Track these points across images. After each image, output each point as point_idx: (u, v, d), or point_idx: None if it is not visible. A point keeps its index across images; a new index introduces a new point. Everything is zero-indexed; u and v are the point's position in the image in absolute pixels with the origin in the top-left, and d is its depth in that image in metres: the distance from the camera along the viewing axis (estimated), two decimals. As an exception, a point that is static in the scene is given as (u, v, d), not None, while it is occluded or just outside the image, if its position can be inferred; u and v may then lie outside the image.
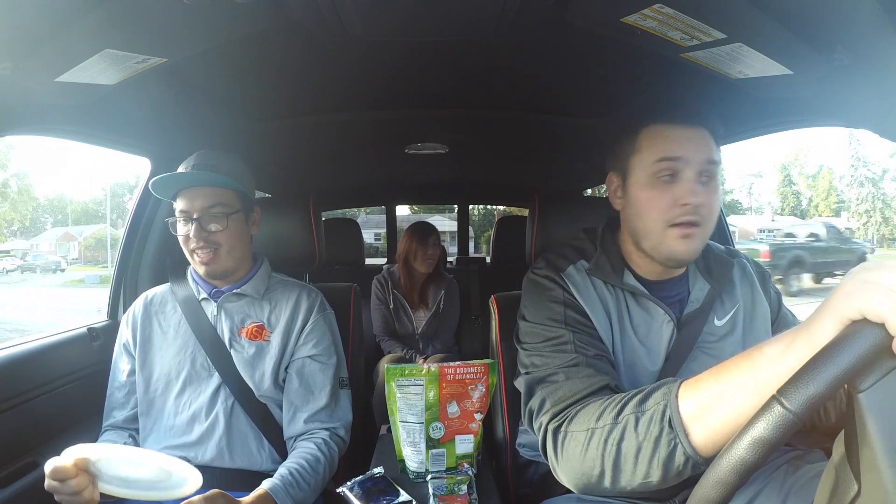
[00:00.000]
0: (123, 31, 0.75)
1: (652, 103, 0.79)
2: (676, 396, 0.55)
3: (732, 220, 31.22)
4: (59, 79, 0.81)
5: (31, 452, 1.04)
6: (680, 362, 0.82)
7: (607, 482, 0.62)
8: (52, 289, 18.13)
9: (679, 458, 0.54)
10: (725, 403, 0.51)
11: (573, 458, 0.65)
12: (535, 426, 0.74)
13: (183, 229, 0.99)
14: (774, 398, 0.39)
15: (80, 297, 14.47)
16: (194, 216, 0.97)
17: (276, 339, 1.03)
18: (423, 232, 2.24)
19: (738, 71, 0.85)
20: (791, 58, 0.77)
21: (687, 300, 0.84)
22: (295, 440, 1.01)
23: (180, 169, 1.01)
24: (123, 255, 1.47)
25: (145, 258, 1.48)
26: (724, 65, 0.84)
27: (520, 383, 0.82)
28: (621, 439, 0.60)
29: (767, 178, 39.86)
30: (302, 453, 0.95)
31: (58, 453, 1.08)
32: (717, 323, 0.85)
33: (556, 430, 0.69)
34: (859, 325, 0.40)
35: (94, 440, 1.03)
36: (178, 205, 0.99)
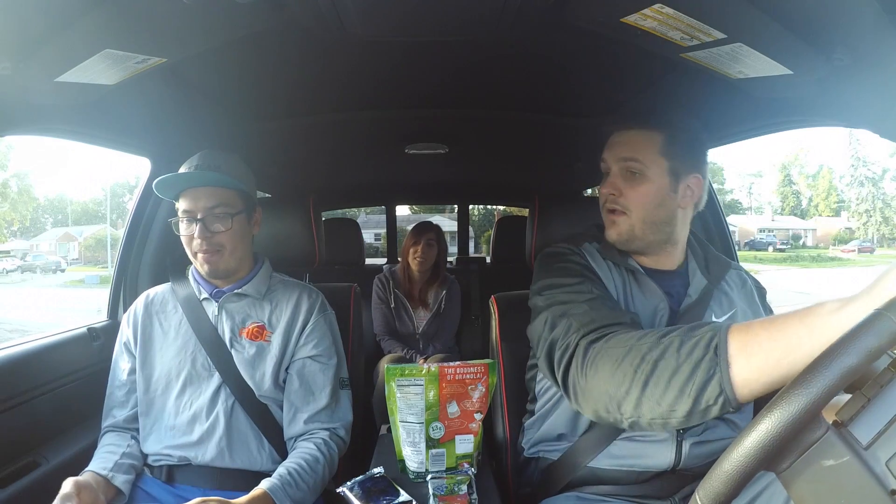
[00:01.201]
0: (123, 31, 0.75)
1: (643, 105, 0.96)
2: (727, 331, 0.56)
3: (732, 220, 31.18)
4: (59, 79, 0.81)
5: (31, 452, 1.04)
6: None
7: (629, 405, 0.62)
8: (52, 289, 18.13)
9: (713, 390, 0.55)
10: (776, 346, 0.51)
11: (602, 373, 0.66)
12: (560, 350, 0.75)
13: (186, 230, 0.99)
14: (881, 312, 0.39)
15: (80, 297, 14.48)
16: (198, 216, 0.97)
17: (276, 340, 1.03)
18: (417, 231, 2.26)
19: (738, 71, 0.85)
20: (791, 58, 0.77)
21: (685, 294, 0.89)
22: (295, 440, 1.01)
23: (183, 169, 1.01)
24: (123, 255, 1.47)
25: (145, 258, 1.48)
26: (724, 65, 0.84)
27: (537, 324, 0.84)
28: (660, 357, 0.60)
29: (767, 178, 39.97)
30: (301, 453, 0.95)
31: (58, 453, 1.08)
32: (716, 320, 0.87)
33: (590, 346, 0.71)
34: None
35: (95, 440, 1.03)
36: (182, 205, 0.99)
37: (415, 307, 2.27)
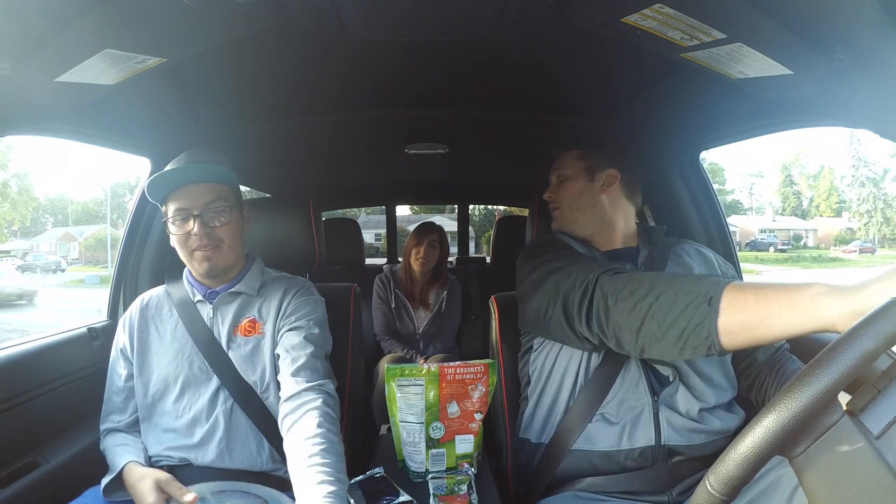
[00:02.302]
0: (123, 31, 0.75)
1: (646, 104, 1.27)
2: (724, 287, 0.66)
3: (733, 221, 31.16)
4: (59, 79, 0.81)
5: (31, 452, 1.04)
6: None
7: (649, 323, 0.73)
8: (52, 289, 18.13)
9: (701, 334, 0.65)
10: (759, 310, 0.61)
11: (623, 296, 0.77)
12: (579, 293, 0.86)
13: (182, 228, 0.97)
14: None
15: (80, 297, 14.48)
16: (195, 212, 0.96)
17: (268, 329, 1.02)
18: (420, 231, 2.25)
19: (738, 71, 0.85)
20: (791, 58, 0.77)
21: (636, 264, 1.05)
22: (290, 405, 0.91)
23: (171, 165, 1.00)
24: (123, 255, 1.47)
25: (145, 258, 1.48)
26: (724, 65, 0.84)
27: (540, 295, 0.95)
28: (665, 293, 0.72)
29: (768, 179, 39.96)
30: (318, 442, 0.84)
31: (58, 453, 1.08)
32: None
33: (608, 279, 0.82)
34: None
35: (95, 440, 1.03)
36: (174, 204, 0.97)
37: (415, 307, 2.26)
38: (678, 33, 0.76)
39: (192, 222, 0.96)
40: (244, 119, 1.40)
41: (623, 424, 0.93)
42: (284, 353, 0.98)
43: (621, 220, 1.10)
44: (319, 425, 0.86)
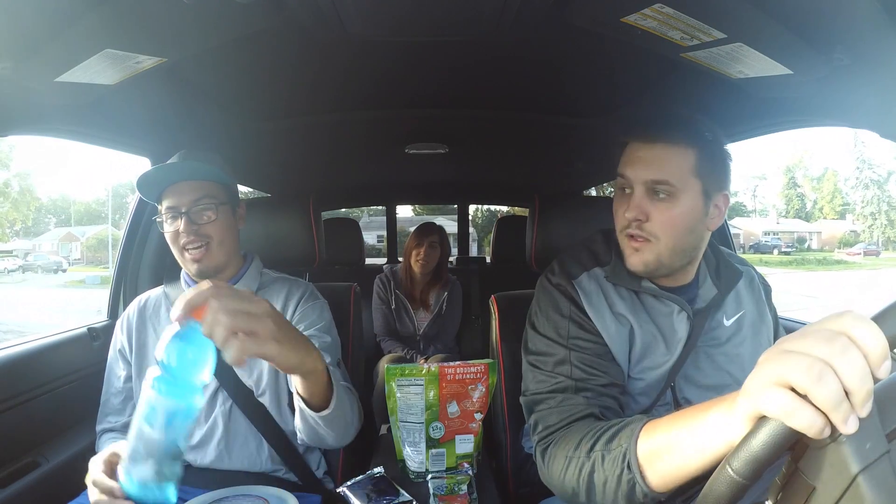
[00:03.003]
0: (123, 31, 0.75)
1: (627, 120, 0.86)
2: (636, 441, 0.60)
3: (737, 223, 30.87)
4: (59, 79, 0.81)
5: (31, 452, 1.05)
6: (686, 355, 0.84)
7: (584, 502, 0.69)
8: (52, 290, 18.14)
9: (639, 495, 0.60)
10: (675, 453, 0.54)
11: (555, 476, 0.72)
12: (533, 441, 0.81)
13: (171, 226, 0.97)
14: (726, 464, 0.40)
15: (80, 297, 14.49)
16: (182, 210, 0.96)
17: None
18: (421, 232, 2.24)
19: (738, 71, 0.85)
20: (791, 58, 0.76)
21: (696, 301, 0.86)
22: None
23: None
24: (123, 255, 1.47)
25: (145, 258, 1.49)
26: (724, 65, 0.84)
27: (522, 402, 0.88)
28: (592, 472, 0.66)
29: (772, 181, 39.73)
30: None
31: (58, 453, 1.08)
32: (726, 322, 0.87)
33: (543, 452, 0.76)
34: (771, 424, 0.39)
35: (94, 440, 1.03)
36: (165, 202, 0.97)
37: (415, 308, 2.26)
38: (678, 33, 0.76)
39: (179, 220, 0.96)
40: (244, 119, 1.40)
41: None
42: None
43: (701, 254, 0.86)
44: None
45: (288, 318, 1.03)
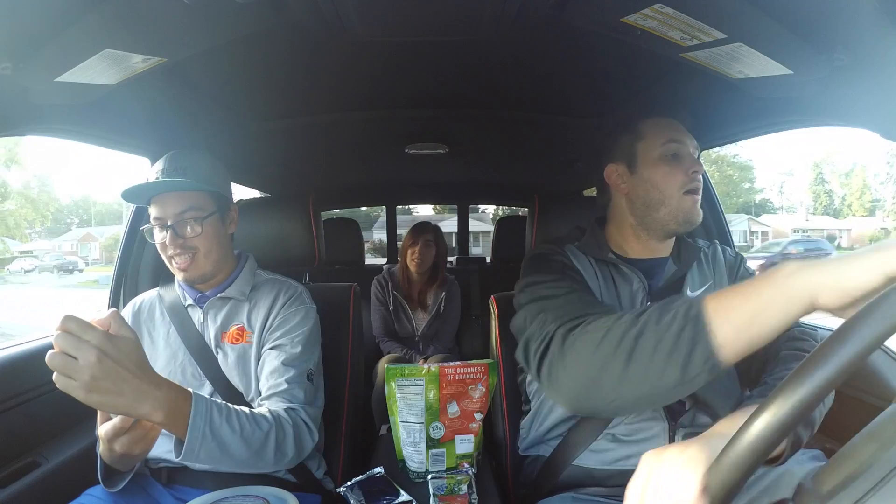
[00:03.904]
0: (123, 31, 0.75)
1: (649, 102, 1.02)
2: (701, 301, 0.58)
3: (765, 220, 29.26)
4: (59, 79, 0.81)
5: (31, 452, 1.04)
6: None
7: (610, 387, 0.62)
8: (63, 290, 18.07)
9: (699, 356, 0.56)
10: (749, 306, 0.53)
11: (582, 356, 0.66)
12: (537, 340, 0.75)
13: (159, 236, 0.97)
14: None
15: (85, 298, 14.44)
16: (168, 223, 0.96)
17: (255, 340, 1.00)
18: (415, 231, 2.23)
19: (738, 71, 0.85)
20: (791, 58, 0.77)
21: (661, 277, 0.95)
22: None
23: (152, 171, 0.99)
24: (123, 255, 1.47)
25: (145, 258, 1.48)
26: (724, 65, 0.84)
27: (517, 319, 0.84)
28: (640, 334, 0.60)
29: (799, 176, 38.46)
30: (249, 410, 0.86)
31: (58, 453, 1.07)
32: (690, 293, 0.93)
33: (568, 333, 0.70)
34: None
35: (94, 440, 1.02)
36: (153, 211, 0.97)
37: (413, 309, 2.25)
38: (678, 33, 0.76)
39: (165, 233, 0.96)
40: (244, 119, 1.40)
41: (634, 444, 0.87)
42: (264, 378, 0.96)
43: None
44: (266, 419, 0.86)
45: (270, 320, 1.02)
